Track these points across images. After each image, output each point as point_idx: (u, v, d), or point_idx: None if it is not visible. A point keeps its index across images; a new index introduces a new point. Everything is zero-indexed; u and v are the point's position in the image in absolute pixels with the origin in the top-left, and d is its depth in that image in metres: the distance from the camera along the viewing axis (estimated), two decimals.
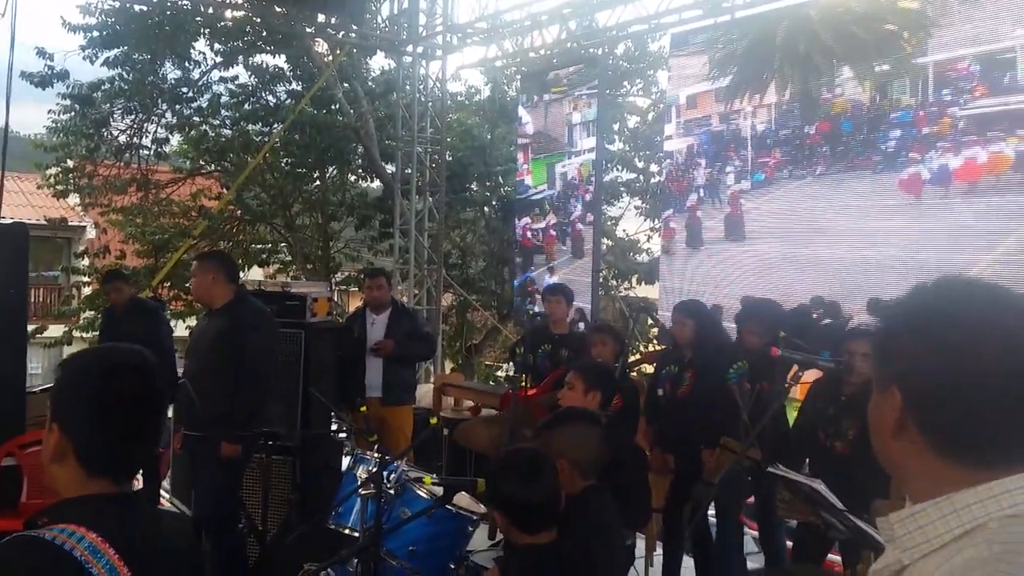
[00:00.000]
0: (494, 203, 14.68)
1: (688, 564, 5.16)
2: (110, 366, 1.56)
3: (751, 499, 5.34)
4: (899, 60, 6.12)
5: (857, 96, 6.41)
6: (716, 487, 3.24)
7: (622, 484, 3.47)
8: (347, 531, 3.76)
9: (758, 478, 4.36)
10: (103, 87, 12.87)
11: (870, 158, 6.30)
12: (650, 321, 8.66)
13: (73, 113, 13.06)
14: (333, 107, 13.64)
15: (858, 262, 6.26)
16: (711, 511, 4.81)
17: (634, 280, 14.09)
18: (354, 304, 12.94)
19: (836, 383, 4.13)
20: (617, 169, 14.29)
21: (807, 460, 4.27)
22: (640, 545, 5.12)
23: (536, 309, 8.76)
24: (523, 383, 4.94)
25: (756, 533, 5.50)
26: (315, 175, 15.13)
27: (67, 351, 14.45)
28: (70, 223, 16.43)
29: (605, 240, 13.20)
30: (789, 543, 4.93)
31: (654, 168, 13.76)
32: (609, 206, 14.12)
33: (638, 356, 7.38)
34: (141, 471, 6.27)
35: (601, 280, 11.84)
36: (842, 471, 3.74)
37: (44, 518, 1.46)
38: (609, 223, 14.17)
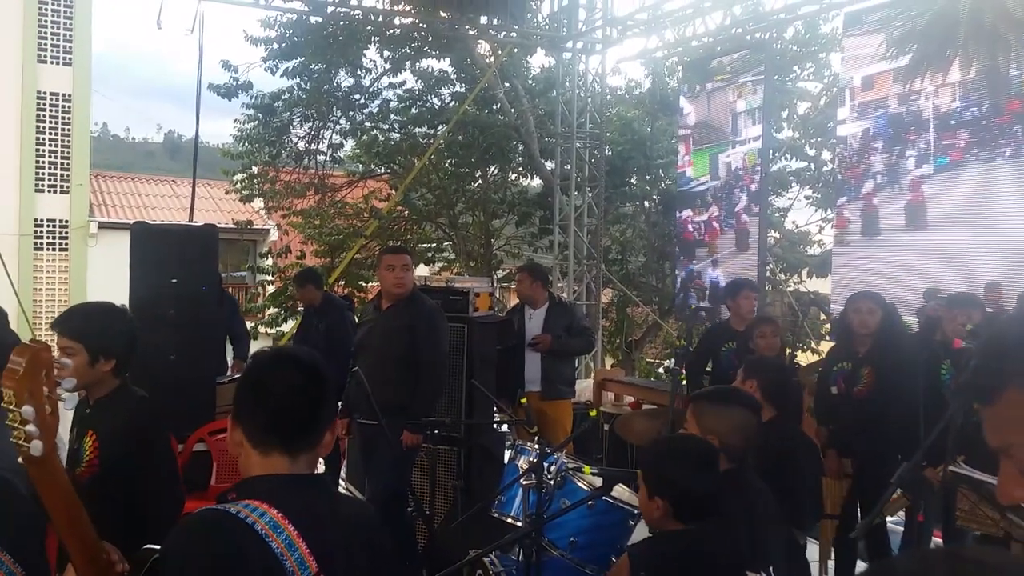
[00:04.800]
0: (654, 197, 14.49)
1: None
2: (271, 359, 1.70)
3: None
4: None
5: None
6: (892, 486, 3.03)
7: (792, 480, 3.34)
8: (510, 520, 3.82)
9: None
10: (283, 96, 13.70)
11: None
12: (822, 316, 8.31)
13: (256, 122, 13.99)
14: (495, 107, 13.91)
15: None
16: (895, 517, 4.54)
17: (804, 274, 13.52)
18: (514, 301, 13.21)
19: None
20: (786, 158, 13.75)
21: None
22: (814, 550, 4.91)
23: (696, 303, 8.57)
24: (682, 377, 4.84)
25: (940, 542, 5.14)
26: (477, 174, 15.49)
27: (253, 346, 15.51)
28: (255, 226, 17.60)
29: (772, 232, 12.74)
30: None
31: (826, 156, 13.15)
32: (777, 197, 13.61)
33: (816, 359, 7.07)
34: (324, 459, 6.68)
35: (768, 274, 11.45)
36: None
37: (233, 493, 1.58)
38: (777, 214, 13.66)
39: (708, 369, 6.03)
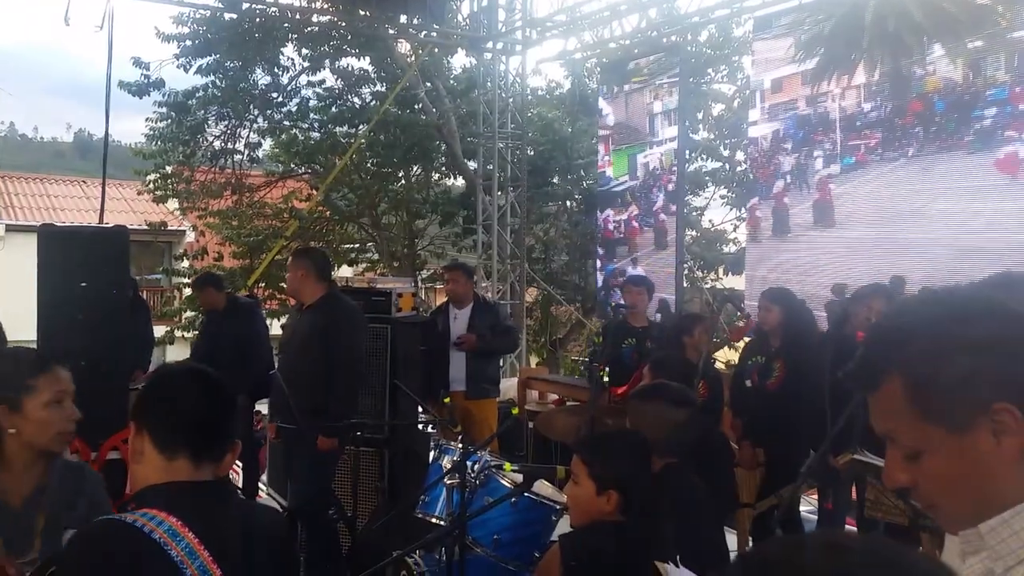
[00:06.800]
0: (576, 196, 14.64)
1: None
2: (181, 371, 1.76)
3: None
4: (993, 35, 5.86)
5: (949, 74, 6.17)
6: (802, 477, 3.16)
7: (706, 474, 3.43)
8: (434, 520, 3.82)
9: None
10: (197, 94, 13.36)
11: (964, 138, 6.06)
12: (737, 313, 8.54)
13: (169, 120, 13.61)
14: (416, 106, 13.85)
15: (953, 246, 6.03)
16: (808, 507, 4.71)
17: (721, 271, 13.86)
18: (440, 300, 13.20)
19: None
20: (702, 158, 14.06)
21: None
22: (732, 540, 5.04)
23: (620, 302, 8.71)
24: (603, 372, 4.93)
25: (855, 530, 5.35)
26: (400, 174, 15.40)
27: (169, 350, 15.11)
28: (170, 227, 17.14)
29: (690, 231, 13.01)
30: None
31: (740, 156, 13.50)
32: (694, 196, 13.91)
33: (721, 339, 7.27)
34: (242, 465, 6.56)
35: (687, 271, 11.70)
36: None
37: (132, 503, 1.57)
38: (694, 213, 13.96)
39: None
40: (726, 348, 11.00)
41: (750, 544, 5.10)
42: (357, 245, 16.06)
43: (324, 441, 4.58)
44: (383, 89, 13.98)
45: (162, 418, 1.62)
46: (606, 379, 5.73)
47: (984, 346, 0.99)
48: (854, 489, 4.70)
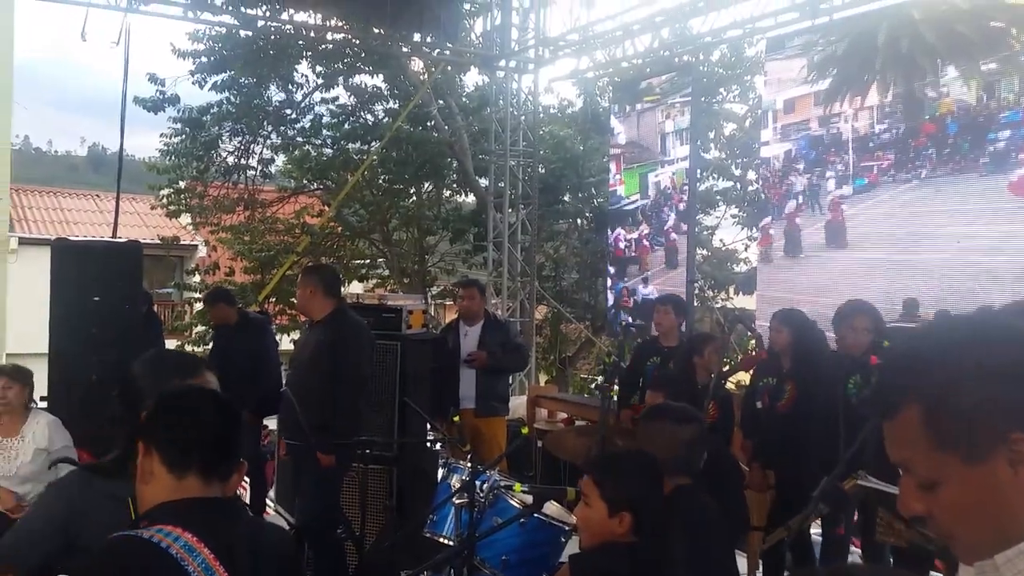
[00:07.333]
0: (587, 214, 14.66)
1: None
2: (190, 391, 1.76)
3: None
4: (1007, 58, 5.84)
5: (963, 96, 6.15)
6: (813, 503, 3.13)
7: (717, 496, 3.41)
8: (442, 539, 3.81)
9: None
10: (211, 110, 13.48)
11: (978, 160, 6.03)
12: (748, 333, 8.50)
13: (184, 136, 13.73)
14: (429, 124, 13.92)
15: (966, 269, 5.99)
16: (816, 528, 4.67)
17: (731, 290, 13.82)
18: (450, 317, 13.18)
19: None
20: (713, 177, 14.07)
21: None
22: (742, 564, 5.00)
23: (629, 319, 8.69)
24: (612, 393, 4.90)
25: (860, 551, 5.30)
26: (411, 191, 15.46)
27: None
28: (182, 242, 17.21)
29: (701, 250, 13.00)
30: None
31: (751, 176, 13.50)
32: (705, 215, 13.90)
33: (729, 366, 7.21)
34: (249, 481, 6.55)
35: (698, 291, 11.67)
36: None
37: (145, 520, 1.56)
38: (705, 233, 13.95)
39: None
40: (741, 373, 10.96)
41: (760, 568, 5.05)
42: (368, 261, 16.11)
43: (323, 458, 4.56)
44: (396, 106, 14.06)
45: (173, 436, 1.62)
46: (636, 398, 5.70)
47: (999, 373, 0.98)
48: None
